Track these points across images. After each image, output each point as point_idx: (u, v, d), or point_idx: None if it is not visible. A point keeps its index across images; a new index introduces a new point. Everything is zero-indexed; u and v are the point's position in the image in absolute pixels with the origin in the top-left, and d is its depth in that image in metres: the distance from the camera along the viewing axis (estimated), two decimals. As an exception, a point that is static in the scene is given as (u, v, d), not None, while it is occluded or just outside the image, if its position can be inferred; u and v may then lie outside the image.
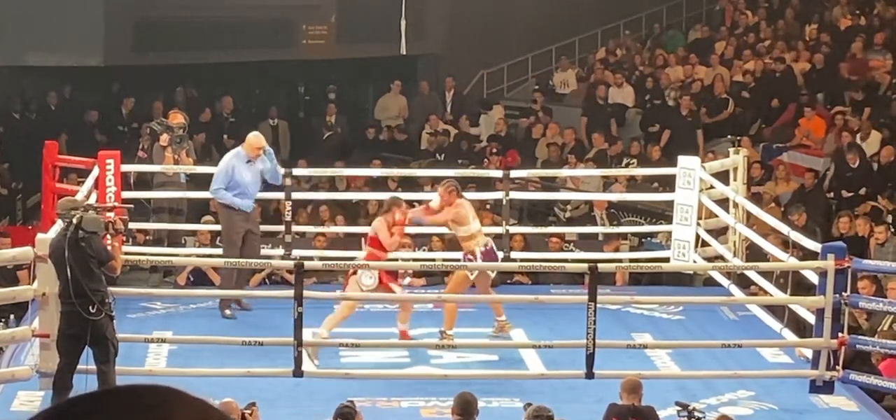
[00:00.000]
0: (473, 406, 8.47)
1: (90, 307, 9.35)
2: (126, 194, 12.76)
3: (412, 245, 13.90)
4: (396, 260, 13.45)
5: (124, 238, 11.41)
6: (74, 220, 9.43)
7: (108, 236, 10.04)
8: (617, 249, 14.33)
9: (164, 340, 11.03)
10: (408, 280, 13.54)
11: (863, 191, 15.82)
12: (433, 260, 13.35)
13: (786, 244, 11.83)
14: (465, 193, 15.71)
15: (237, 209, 12.30)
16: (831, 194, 16.10)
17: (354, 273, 11.19)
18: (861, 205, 15.36)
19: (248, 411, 8.53)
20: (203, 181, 13.30)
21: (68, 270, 9.35)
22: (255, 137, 12.63)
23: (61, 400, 7.72)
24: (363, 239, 14.32)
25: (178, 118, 13.91)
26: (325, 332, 10.88)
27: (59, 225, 9.92)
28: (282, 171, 12.91)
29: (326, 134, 20.19)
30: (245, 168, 12.34)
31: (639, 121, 19.51)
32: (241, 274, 12.51)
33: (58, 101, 20.01)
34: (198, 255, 13.36)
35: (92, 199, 11.47)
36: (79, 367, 9.49)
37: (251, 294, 12.78)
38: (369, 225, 14.93)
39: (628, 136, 18.77)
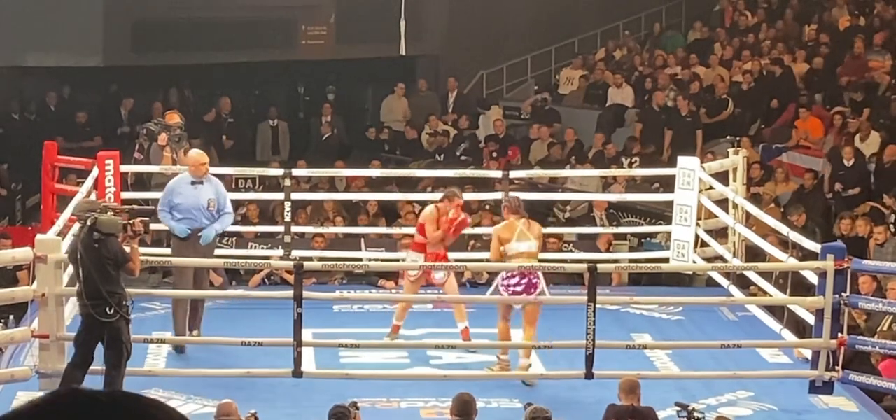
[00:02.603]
0: (472, 406, 8.46)
1: (107, 309, 9.38)
2: (124, 195, 12.72)
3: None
4: (397, 261, 13.47)
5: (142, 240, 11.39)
6: (89, 222, 9.44)
7: (128, 238, 10.02)
8: (609, 245, 14.31)
9: (163, 341, 11.02)
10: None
11: (857, 190, 15.80)
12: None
13: (785, 244, 11.82)
14: (463, 194, 15.71)
15: (176, 234, 11.33)
16: (830, 195, 16.09)
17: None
18: (860, 205, 15.35)
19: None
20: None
21: (82, 272, 9.37)
22: (195, 155, 11.67)
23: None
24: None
25: (174, 118, 13.88)
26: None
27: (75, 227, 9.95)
28: (218, 230, 11.39)
29: (326, 135, 20.18)
30: (187, 189, 11.28)
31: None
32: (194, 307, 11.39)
33: (57, 101, 20.00)
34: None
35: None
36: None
37: (250, 294, 12.76)
38: (368, 225, 14.98)
39: (627, 136, 18.75)
